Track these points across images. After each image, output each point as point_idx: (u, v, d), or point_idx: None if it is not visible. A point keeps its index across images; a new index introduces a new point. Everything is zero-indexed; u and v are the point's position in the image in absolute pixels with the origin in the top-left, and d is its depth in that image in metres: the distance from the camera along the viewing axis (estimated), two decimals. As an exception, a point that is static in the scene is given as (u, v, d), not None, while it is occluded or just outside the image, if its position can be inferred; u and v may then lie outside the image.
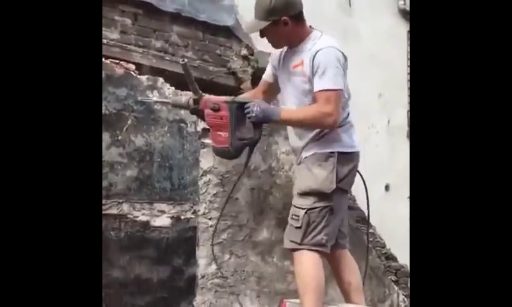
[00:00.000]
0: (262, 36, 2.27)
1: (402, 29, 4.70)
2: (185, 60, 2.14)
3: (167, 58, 3.02)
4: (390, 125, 4.55)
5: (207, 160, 2.73)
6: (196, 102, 2.18)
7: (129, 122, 2.51)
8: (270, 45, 2.31)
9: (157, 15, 3.07)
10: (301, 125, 2.22)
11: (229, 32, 3.41)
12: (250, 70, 3.44)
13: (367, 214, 2.74)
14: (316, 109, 2.12)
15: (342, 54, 2.16)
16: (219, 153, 2.22)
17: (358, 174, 2.42)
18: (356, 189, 2.57)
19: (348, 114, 2.24)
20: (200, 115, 2.23)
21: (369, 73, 4.31)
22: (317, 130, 2.19)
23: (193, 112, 2.25)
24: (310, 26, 2.28)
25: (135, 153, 2.52)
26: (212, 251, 2.54)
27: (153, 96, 2.61)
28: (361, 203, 2.97)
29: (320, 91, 2.10)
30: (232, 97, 2.23)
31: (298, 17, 2.21)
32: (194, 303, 2.63)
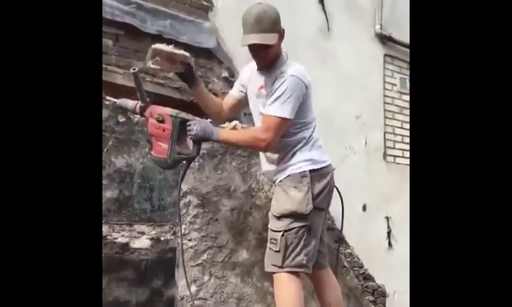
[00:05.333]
0: (251, 50, 2.17)
1: (378, 53, 4.82)
2: (136, 68, 2.18)
3: (147, 79, 3.03)
4: (367, 146, 4.62)
5: (188, 182, 2.74)
6: (142, 109, 2.25)
7: (110, 143, 2.52)
8: (255, 62, 2.27)
9: (139, 37, 3.09)
10: (237, 146, 2.53)
11: (210, 55, 3.44)
12: (231, 92, 3.47)
13: (341, 230, 2.75)
14: (252, 134, 2.18)
15: (304, 83, 2.15)
16: (156, 162, 2.26)
17: (335, 194, 2.47)
18: (334, 210, 2.61)
19: (311, 135, 2.26)
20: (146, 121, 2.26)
21: (347, 95, 4.40)
22: (287, 154, 2.23)
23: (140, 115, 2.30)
24: None
25: (115, 174, 2.52)
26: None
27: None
28: (339, 223, 3.00)
29: (265, 114, 2.15)
30: (177, 111, 2.25)
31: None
32: (173, 325, 2.62)
